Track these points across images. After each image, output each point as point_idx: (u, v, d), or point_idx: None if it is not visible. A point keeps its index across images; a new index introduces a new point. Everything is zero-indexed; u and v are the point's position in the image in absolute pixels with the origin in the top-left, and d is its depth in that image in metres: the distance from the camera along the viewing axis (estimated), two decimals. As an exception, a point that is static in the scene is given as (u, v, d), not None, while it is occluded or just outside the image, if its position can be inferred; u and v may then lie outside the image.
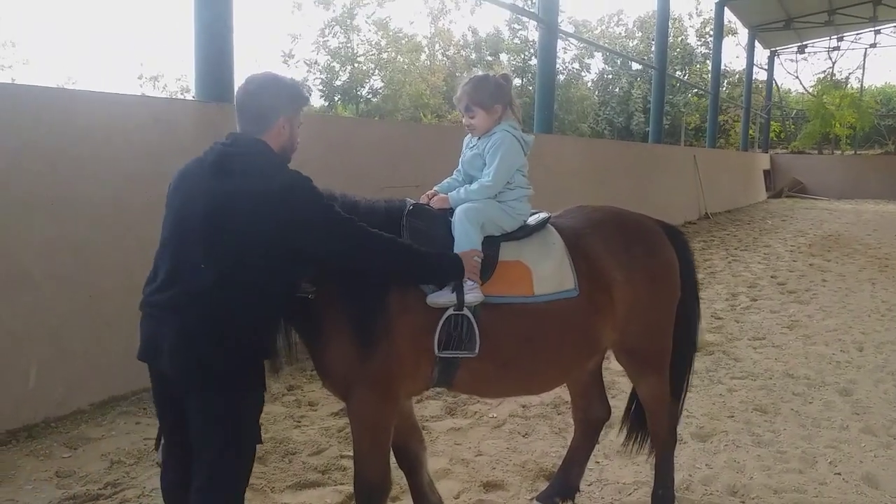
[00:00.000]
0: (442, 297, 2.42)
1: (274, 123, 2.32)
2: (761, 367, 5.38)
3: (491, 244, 2.60)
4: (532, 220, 2.76)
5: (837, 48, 31.78)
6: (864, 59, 31.97)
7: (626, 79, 37.60)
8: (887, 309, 7.40)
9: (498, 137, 2.67)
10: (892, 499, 3.36)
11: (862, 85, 32.90)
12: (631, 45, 38.89)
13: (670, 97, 34.15)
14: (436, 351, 2.44)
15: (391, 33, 31.68)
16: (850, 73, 34.86)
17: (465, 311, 2.43)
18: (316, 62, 30.44)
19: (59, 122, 4.20)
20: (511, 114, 2.74)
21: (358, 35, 31.24)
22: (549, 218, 2.82)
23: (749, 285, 8.82)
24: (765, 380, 5.07)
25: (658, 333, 2.94)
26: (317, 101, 30.93)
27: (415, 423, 2.98)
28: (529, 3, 27.85)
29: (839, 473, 3.61)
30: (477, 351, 2.45)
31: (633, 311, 2.78)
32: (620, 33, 40.40)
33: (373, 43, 31.78)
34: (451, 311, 2.42)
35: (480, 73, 2.78)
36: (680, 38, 37.80)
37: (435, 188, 2.84)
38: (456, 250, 2.49)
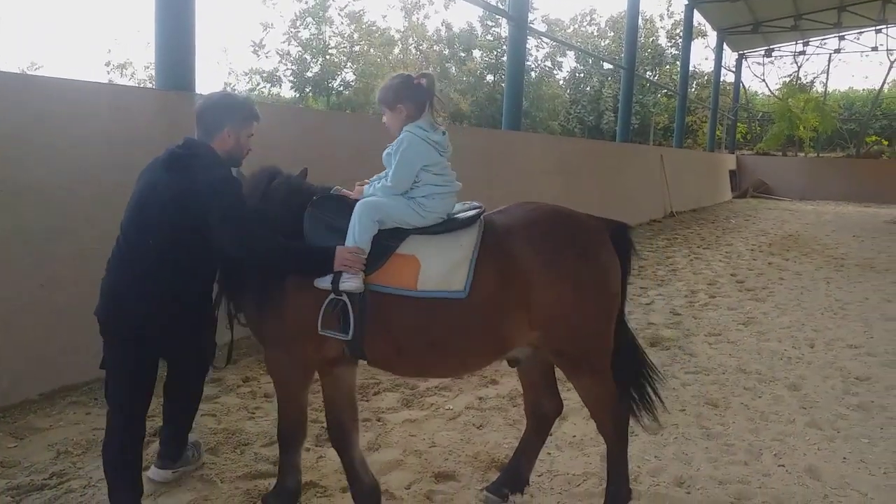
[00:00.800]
0: (322, 282, 2.68)
1: (220, 133, 2.87)
2: (715, 362, 5.49)
3: (395, 236, 2.76)
4: (465, 215, 2.84)
5: (803, 53, 32.46)
6: (829, 64, 32.86)
7: (597, 78, 37.89)
8: (840, 307, 7.60)
9: (400, 139, 2.81)
10: (832, 490, 3.45)
11: (826, 89, 33.65)
12: (603, 44, 39.18)
13: (640, 97, 34.54)
14: (319, 328, 2.70)
15: (364, 26, 31.47)
16: (814, 78, 35.64)
17: (343, 297, 2.65)
18: (287, 53, 30.10)
19: (13, 107, 4.11)
20: (428, 113, 2.84)
21: (330, 27, 30.96)
22: (479, 215, 2.86)
23: (709, 283, 8.98)
24: (717, 374, 5.17)
25: (587, 337, 2.87)
26: (287, 92, 30.62)
27: (353, 401, 3.07)
28: (502, 0, 27.90)
29: (783, 465, 3.70)
30: (350, 335, 2.68)
31: (555, 312, 2.75)
32: (593, 32, 40.70)
33: (345, 35, 31.52)
34: (331, 296, 2.67)
35: (404, 73, 2.93)
36: (651, 39, 38.20)
37: (371, 179, 2.97)
38: (346, 241, 2.71)
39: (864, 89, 37.41)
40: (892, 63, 30.22)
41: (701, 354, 5.68)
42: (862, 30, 28.79)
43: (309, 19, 29.77)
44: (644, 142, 32.27)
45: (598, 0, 59.58)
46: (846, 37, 29.75)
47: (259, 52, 29.87)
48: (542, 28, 35.00)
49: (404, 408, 4.35)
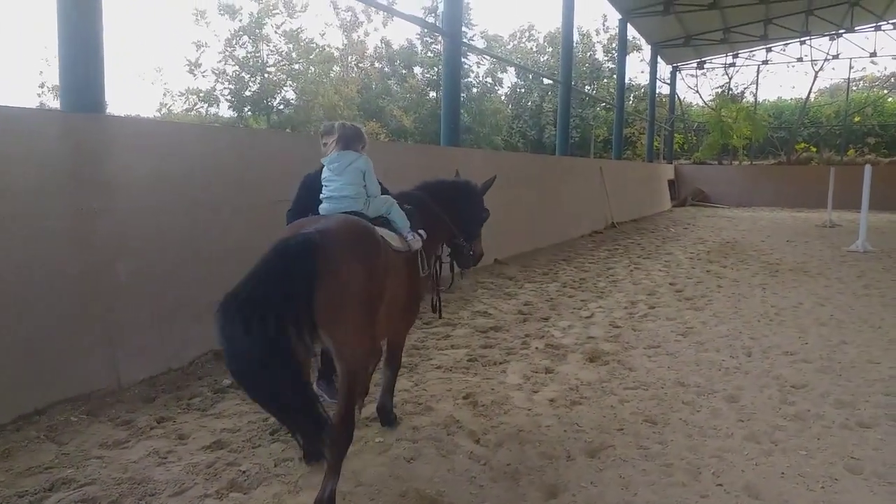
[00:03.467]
0: None
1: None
2: (654, 376, 5.41)
3: None
4: None
5: (733, 65, 33.58)
6: (758, 75, 33.93)
7: (537, 93, 38.37)
8: (775, 313, 7.67)
9: None
10: (770, 508, 3.36)
11: (756, 99, 34.83)
12: (542, 59, 39.76)
13: (580, 110, 35.11)
14: None
15: (303, 44, 31.13)
16: (745, 88, 36.84)
17: None
18: (224, 72, 29.51)
19: None
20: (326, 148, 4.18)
21: (268, 45, 30.54)
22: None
23: (648, 293, 8.99)
24: (656, 389, 5.08)
25: None
26: (226, 111, 30.02)
27: None
28: (440, 17, 27.96)
29: (721, 485, 3.59)
30: None
31: None
32: (532, 48, 41.26)
33: (283, 54, 31.12)
34: None
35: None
36: (588, 54, 38.94)
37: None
38: None
39: (792, 98, 38.86)
40: (816, 73, 31.48)
41: (640, 368, 5.60)
42: (787, 41, 29.96)
43: (245, 38, 29.31)
44: (585, 154, 32.77)
45: (537, 16, 60.56)
46: (773, 48, 30.92)
47: (195, 72, 29.27)
48: (481, 44, 35.27)
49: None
